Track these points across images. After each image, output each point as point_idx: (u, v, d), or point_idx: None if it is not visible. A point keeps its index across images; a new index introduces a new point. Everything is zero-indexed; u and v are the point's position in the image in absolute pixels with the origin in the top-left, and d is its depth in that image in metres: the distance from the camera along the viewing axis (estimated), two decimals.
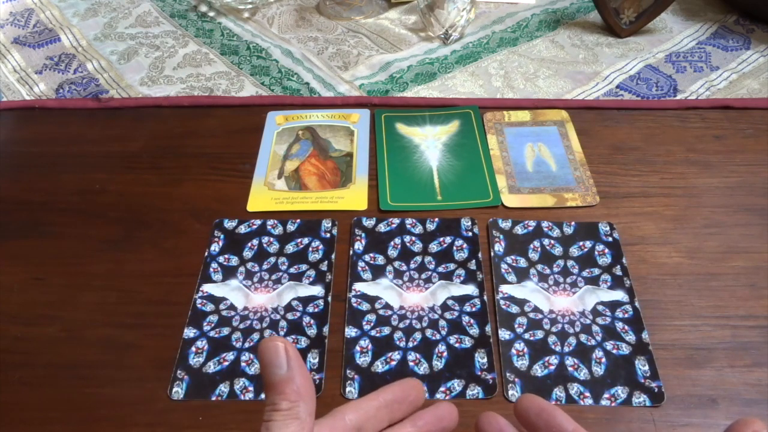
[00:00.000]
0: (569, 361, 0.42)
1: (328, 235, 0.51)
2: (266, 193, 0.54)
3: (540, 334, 0.44)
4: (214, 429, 0.39)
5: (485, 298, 0.46)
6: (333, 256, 0.49)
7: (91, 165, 0.57)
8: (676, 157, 0.57)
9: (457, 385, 0.41)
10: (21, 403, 0.41)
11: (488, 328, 0.44)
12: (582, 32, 0.73)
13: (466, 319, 0.45)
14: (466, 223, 0.51)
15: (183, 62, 0.70)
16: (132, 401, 0.41)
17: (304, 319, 0.45)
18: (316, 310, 0.46)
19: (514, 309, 0.45)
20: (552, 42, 0.72)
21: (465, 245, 0.49)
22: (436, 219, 0.51)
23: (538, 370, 0.42)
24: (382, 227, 0.51)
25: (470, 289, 0.47)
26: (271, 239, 0.50)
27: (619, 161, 0.56)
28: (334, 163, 0.57)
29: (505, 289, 0.46)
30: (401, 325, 0.45)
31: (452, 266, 0.48)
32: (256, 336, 0.44)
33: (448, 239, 0.50)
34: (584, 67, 0.68)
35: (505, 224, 0.51)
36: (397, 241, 0.50)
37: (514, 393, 0.41)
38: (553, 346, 0.43)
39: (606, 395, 0.40)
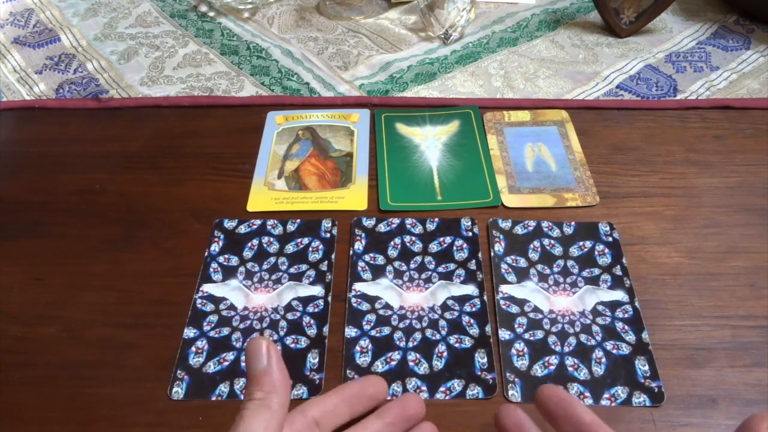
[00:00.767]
0: (569, 361, 0.42)
1: (328, 235, 0.51)
2: (266, 193, 0.54)
3: (540, 334, 0.44)
4: (214, 429, 0.39)
5: (485, 298, 0.46)
6: (333, 256, 0.49)
7: (91, 165, 0.57)
8: (676, 157, 0.57)
9: (457, 385, 0.41)
10: (21, 403, 0.41)
11: (488, 328, 0.44)
12: (582, 32, 0.73)
13: (466, 319, 0.45)
14: (466, 223, 0.51)
15: (183, 62, 0.70)
16: (132, 401, 0.41)
17: (304, 319, 0.45)
18: (316, 310, 0.46)
19: (514, 309, 0.45)
20: (552, 42, 0.72)
21: (465, 245, 0.49)
22: (436, 219, 0.51)
23: (538, 370, 0.42)
24: (382, 227, 0.51)
25: (470, 289, 0.47)
26: (271, 239, 0.50)
27: (619, 161, 0.56)
28: (334, 163, 0.57)
29: (505, 289, 0.46)
30: (401, 325, 0.45)
31: (452, 266, 0.48)
32: (256, 336, 0.44)
33: (448, 239, 0.50)
34: (584, 67, 0.68)
35: (505, 224, 0.51)
36: (397, 241, 0.50)
37: (514, 393, 0.41)
38: (553, 346, 0.43)
39: (606, 395, 0.40)
